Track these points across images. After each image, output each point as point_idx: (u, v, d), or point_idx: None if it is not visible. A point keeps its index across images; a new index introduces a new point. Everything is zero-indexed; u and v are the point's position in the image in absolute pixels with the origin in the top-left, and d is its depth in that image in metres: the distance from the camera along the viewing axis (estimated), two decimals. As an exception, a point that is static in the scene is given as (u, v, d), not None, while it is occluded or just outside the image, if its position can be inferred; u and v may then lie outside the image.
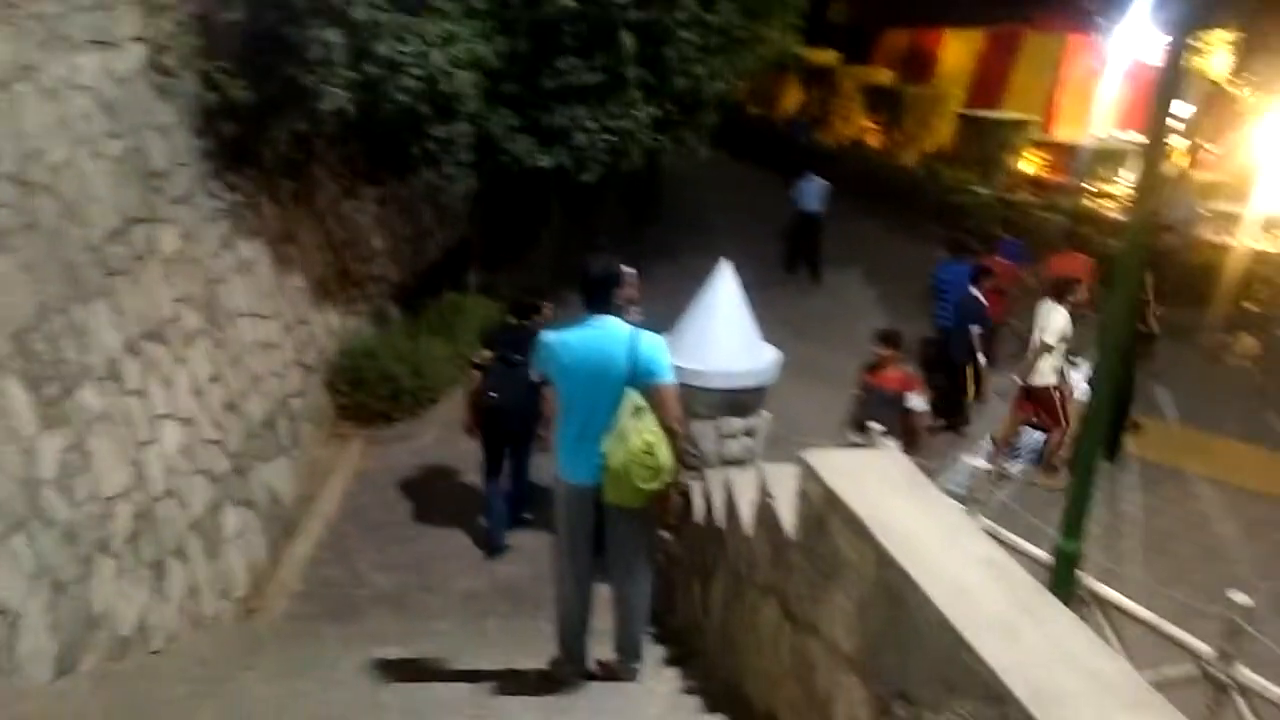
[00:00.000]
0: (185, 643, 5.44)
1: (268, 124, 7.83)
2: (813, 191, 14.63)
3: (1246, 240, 13.72)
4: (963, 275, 9.41)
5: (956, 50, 24.25)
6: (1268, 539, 7.81)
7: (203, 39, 7.45)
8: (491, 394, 6.89)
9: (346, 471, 8.27)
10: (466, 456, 8.63)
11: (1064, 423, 8.25)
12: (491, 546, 7.23)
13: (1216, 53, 15.61)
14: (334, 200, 9.95)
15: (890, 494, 2.94)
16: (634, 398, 4.06)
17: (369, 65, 7.52)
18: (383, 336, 9.55)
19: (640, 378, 4.07)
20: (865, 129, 23.18)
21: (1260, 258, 13.43)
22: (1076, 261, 10.39)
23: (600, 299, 4.18)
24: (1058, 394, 8.18)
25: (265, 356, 7.71)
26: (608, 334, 4.12)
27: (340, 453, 8.52)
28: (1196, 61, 15.67)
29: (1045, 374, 8.12)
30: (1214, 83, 15.64)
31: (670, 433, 4.09)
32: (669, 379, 4.14)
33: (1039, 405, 8.31)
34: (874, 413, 7.06)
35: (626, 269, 4.35)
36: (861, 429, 6.96)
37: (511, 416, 6.88)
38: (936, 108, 21.51)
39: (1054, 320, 8.01)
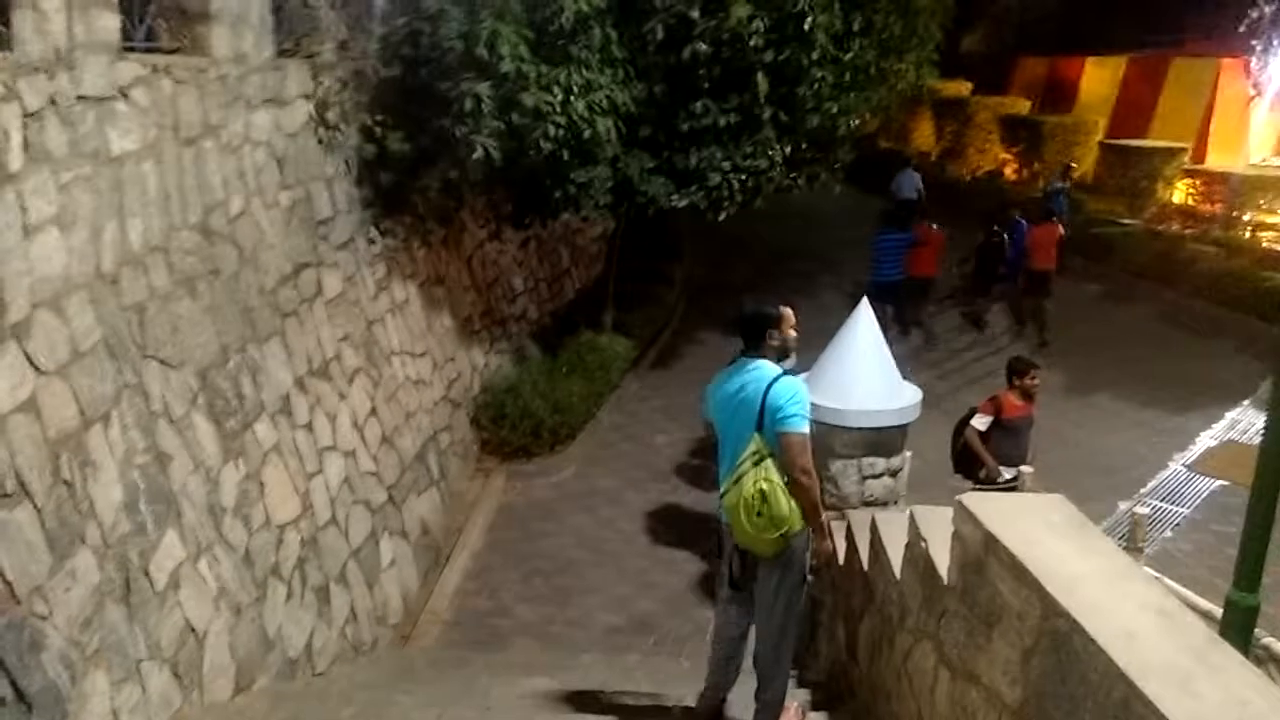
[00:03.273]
0: (347, 667, 5.73)
1: (420, 173, 8.28)
2: (909, 183, 17.52)
3: None
4: (902, 241, 12.62)
5: (1098, 78, 23.43)
6: None
7: (362, 94, 7.97)
8: None
9: (490, 505, 8.55)
10: (604, 493, 8.83)
11: None
12: None
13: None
14: (479, 243, 10.39)
15: (1052, 538, 2.88)
16: (757, 443, 4.06)
17: (515, 115, 7.86)
18: (523, 374, 9.87)
19: (769, 424, 4.05)
20: (1002, 160, 22.60)
21: None
22: (1052, 231, 12.99)
23: (749, 340, 4.23)
24: None
25: (417, 393, 8.09)
26: (749, 376, 4.16)
27: (484, 486, 8.83)
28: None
29: None
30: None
31: (796, 484, 4.01)
32: (796, 428, 4.02)
33: None
34: (1025, 443, 6.87)
35: (784, 309, 4.32)
36: (1013, 463, 6.78)
37: None
38: (1078, 137, 20.78)
39: None
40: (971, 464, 6.91)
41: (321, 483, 6.12)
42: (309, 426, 6.15)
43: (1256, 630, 4.47)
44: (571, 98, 8.00)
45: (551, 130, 7.91)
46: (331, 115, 7.53)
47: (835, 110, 10.02)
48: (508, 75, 7.77)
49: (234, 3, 6.24)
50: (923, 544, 3.61)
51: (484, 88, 7.68)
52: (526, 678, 5.06)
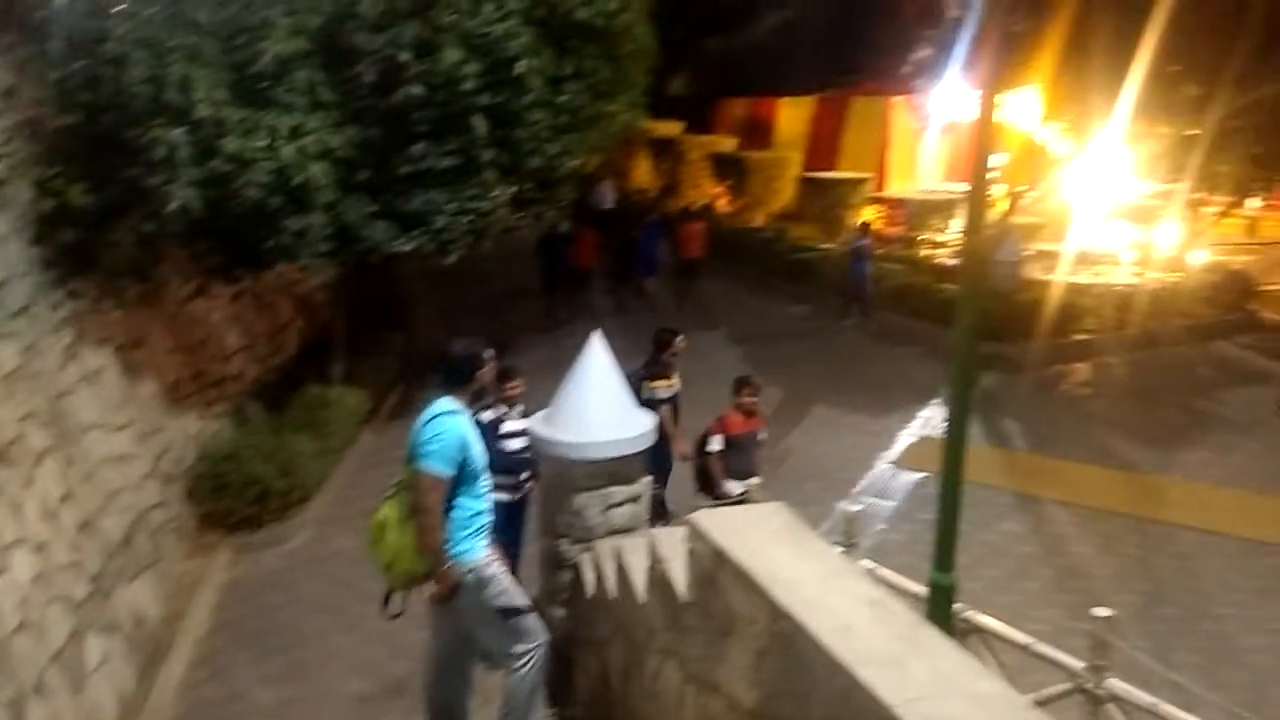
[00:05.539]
0: (51, 787, 5.04)
1: (110, 227, 7.57)
2: (606, 194, 21.26)
3: (1067, 276, 14.88)
4: (561, 241, 15.64)
5: (791, 116, 25.57)
6: (1120, 553, 8.36)
7: (36, 145, 7.19)
8: None
9: (215, 583, 7.88)
10: (345, 554, 8.39)
11: None
12: None
13: (1026, 105, 17.04)
14: (185, 300, 9.62)
15: (773, 545, 3.06)
16: (402, 475, 4.14)
17: (216, 162, 7.40)
18: (245, 437, 9.21)
19: (410, 459, 4.10)
20: (715, 194, 24.05)
21: (1081, 290, 14.58)
22: (698, 226, 17.37)
23: (449, 381, 4.26)
24: None
25: (120, 469, 7.33)
26: (425, 412, 4.19)
27: (207, 564, 8.12)
28: (1008, 114, 17.08)
29: None
30: (1025, 133, 17.04)
31: (416, 522, 4.03)
32: (424, 465, 4.03)
33: None
34: (752, 457, 7.33)
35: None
36: (743, 477, 7.23)
37: None
38: (777, 171, 22.57)
39: None
40: (710, 482, 7.31)
41: (8, 583, 5.37)
42: (-13, 520, 5.39)
43: (959, 604, 4.98)
44: (279, 142, 7.64)
45: (258, 177, 7.51)
46: (-1, 169, 6.74)
47: (554, 151, 10.26)
48: (205, 121, 7.31)
49: None
50: (661, 565, 3.72)
51: (178, 134, 7.19)
52: (267, 764, 4.67)
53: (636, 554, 4.29)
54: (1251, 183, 15.83)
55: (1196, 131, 13.95)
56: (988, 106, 4.51)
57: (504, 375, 6.99)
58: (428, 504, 3.99)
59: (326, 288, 12.93)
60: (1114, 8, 12.94)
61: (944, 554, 4.15)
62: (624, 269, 17.25)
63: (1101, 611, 4.47)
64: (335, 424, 9.90)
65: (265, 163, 7.51)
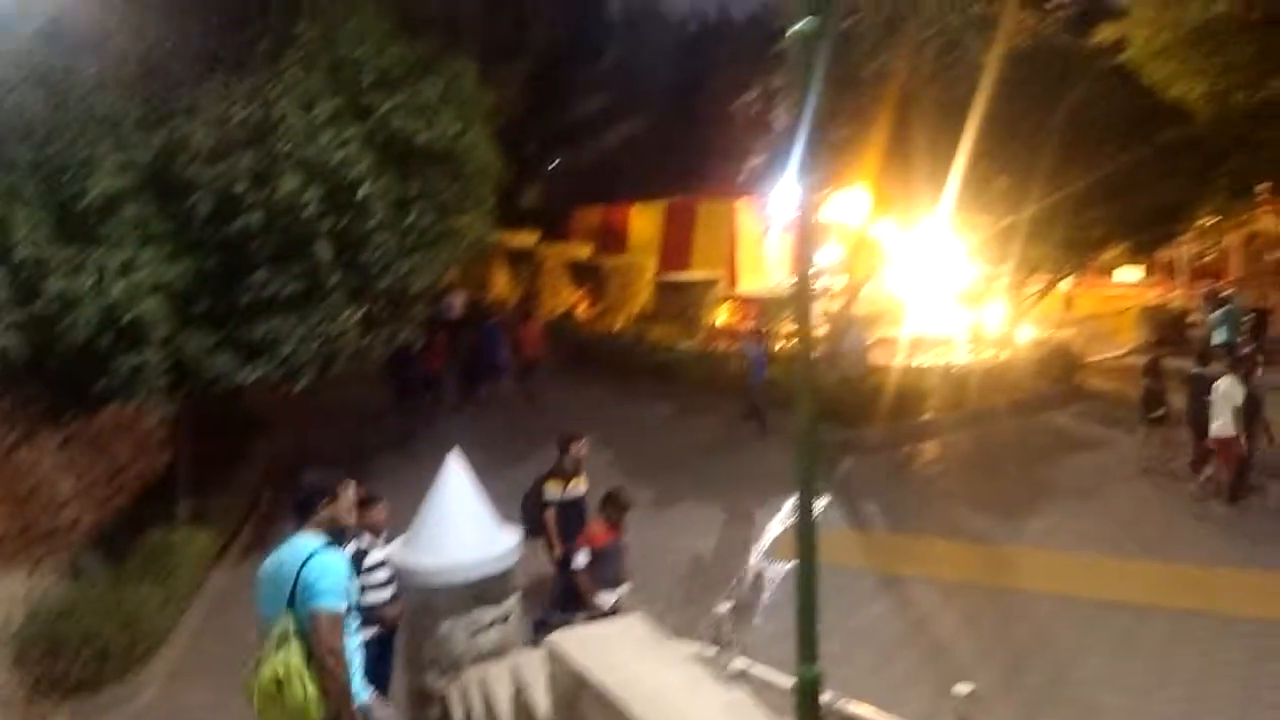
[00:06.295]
0: None
1: (-82, 379, 7.07)
2: (454, 304, 21.01)
3: (909, 360, 15.66)
4: (409, 354, 14.87)
5: (643, 222, 26.39)
6: (982, 625, 8.62)
7: None
8: None
9: (50, 757, 7.18)
10: (199, 709, 7.82)
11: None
12: None
13: (855, 202, 18.11)
14: (8, 449, 8.95)
15: (633, 659, 3.05)
16: (285, 623, 3.91)
17: (39, 303, 7.05)
18: (80, 592, 8.53)
19: (300, 603, 3.91)
20: (574, 301, 24.39)
21: (923, 373, 15.36)
22: (535, 326, 18.32)
23: (298, 514, 4.10)
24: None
25: (-67, 642, 6.66)
26: (290, 552, 4.02)
27: (40, 736, 7.40)
28: (839, 211, 18.11)
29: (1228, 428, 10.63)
30: (856, 228, 18.07)
31: (323, 667, 3.85)
32: (325, 605, 3.88)
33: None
34: (620, 564, 7.33)
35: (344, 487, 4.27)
36: (613, 585, 7.21)
37: None
38: (633, 275, 23.12)
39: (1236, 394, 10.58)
40: (581, 597, 7.23)
41: None
42: None
43: (830, 694, 5.01)
44: (107, 279, 7.36)
45: (86, 315, 7.18)
46: None
47: (404, 270, 10.20)
48: (25, 261, 6.98)
49: None
50: (524, 692, 3.64)
51: (-6, 278, 6.83)
52: None
53: (501, 683, 4.18)
54: (1065, 264, 17.24)
55: (1012, 220, 15.12)
56: (809, 206, 4.79)
57: (365, 502, 6.78)
58: (334, 644, 3.84)
59: (168, 423, 12.31)
60: (930, 111, 14.04)
61: (806, 644, 4.18)
62: (470, 375, 17.75)
63: (962, 688, 4.60)
64: (181, 568, 9.30)
65: (93, 301, 7.20)
